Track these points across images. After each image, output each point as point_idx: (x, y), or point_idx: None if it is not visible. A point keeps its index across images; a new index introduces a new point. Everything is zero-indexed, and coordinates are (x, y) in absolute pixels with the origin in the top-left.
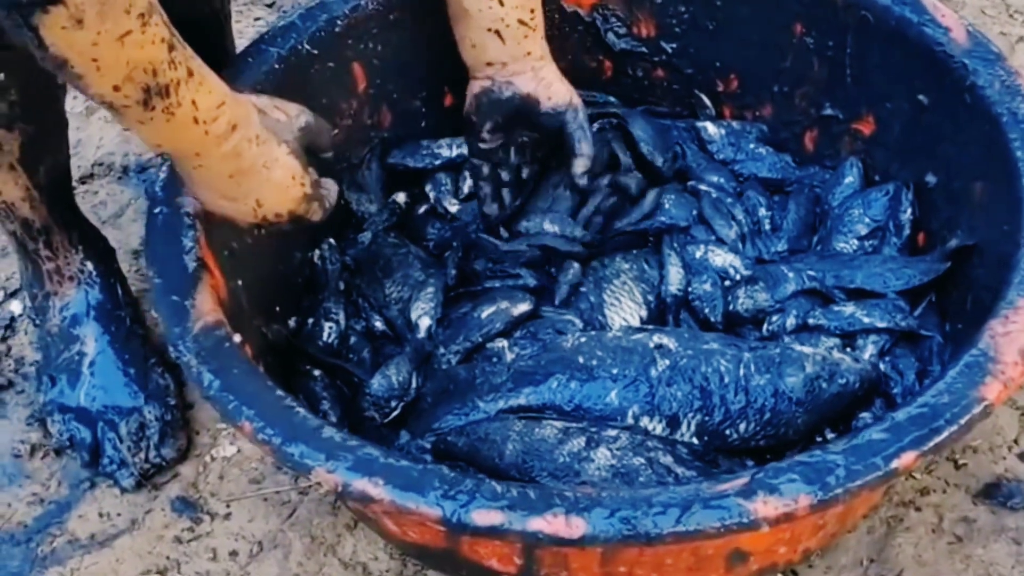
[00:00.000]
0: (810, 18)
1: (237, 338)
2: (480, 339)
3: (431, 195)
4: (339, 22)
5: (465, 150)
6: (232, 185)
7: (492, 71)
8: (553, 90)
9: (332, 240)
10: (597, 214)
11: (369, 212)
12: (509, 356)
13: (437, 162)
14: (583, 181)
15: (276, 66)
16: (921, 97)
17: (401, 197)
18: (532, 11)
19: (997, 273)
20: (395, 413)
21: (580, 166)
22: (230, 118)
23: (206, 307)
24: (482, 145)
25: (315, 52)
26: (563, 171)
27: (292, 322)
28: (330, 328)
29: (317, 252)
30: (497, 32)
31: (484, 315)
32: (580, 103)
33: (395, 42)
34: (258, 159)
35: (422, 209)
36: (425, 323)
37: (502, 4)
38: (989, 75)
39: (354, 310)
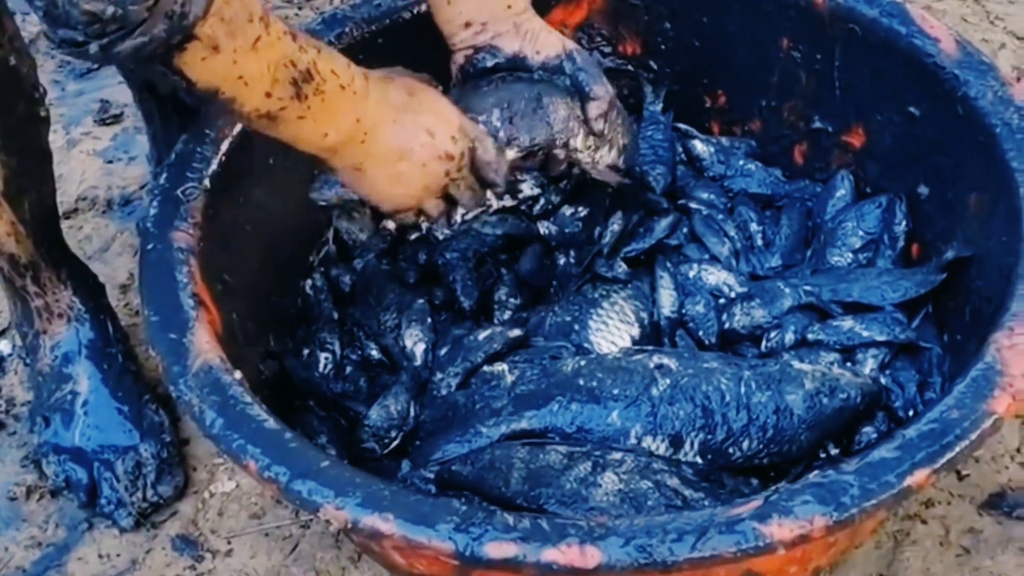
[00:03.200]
0: (797, 32)
1: (237, 375)
2: (480, 359)
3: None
4: None
5: None
6: (397, 130)
7: (472, 36)
8: (540, 42)
9: (324, 268)
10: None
11: (360, 240)
12: (509, 379)
13: None
14: (599, 125)
15: None
16: (912, 109)
17: (392, 224)
18: None
19: (997, 284)
20: (395, 443)
21: (595, 110)
22: (358, 71)
23: (204, 344)
24: None
25: None
26: None
27: (287, 354)
28: (325, 359)
29: (309, 281)
30: None
31: (481, 336)
32: (574, 47)
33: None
34: (401, 90)
35: (413, 236)
36: (420, 349)
37: None
38: (981, 86)
39: (349, 339)
